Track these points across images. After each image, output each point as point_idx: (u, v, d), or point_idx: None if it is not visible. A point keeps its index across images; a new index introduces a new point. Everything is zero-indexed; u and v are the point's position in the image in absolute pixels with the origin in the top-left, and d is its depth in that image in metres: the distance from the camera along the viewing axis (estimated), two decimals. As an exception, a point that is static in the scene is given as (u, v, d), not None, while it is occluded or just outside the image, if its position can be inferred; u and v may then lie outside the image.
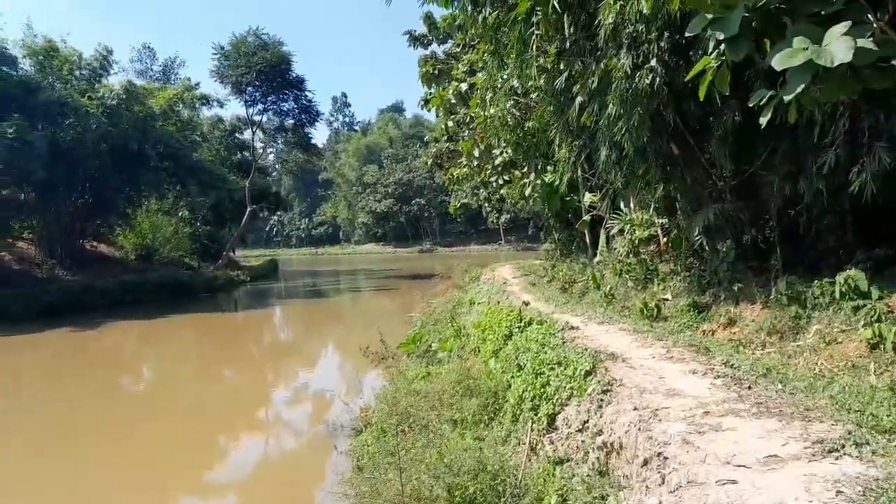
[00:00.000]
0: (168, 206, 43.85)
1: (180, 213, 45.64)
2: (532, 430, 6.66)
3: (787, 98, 4.78)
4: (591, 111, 10.41)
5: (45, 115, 30.07)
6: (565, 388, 6.72)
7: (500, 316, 11.22)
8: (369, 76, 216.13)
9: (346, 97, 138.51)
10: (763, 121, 5.38)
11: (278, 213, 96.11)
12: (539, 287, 18.28)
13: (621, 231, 14.80)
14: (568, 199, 19.07)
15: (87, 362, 20.77)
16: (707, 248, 10.42)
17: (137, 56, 53.96)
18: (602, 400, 6.00)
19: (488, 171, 21.90)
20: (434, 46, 28.66)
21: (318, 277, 57.04)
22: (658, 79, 8.96)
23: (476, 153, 20.75)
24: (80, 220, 34.96)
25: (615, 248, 15.12)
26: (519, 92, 17.54)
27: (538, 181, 18.68)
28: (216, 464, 10.96)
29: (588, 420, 5.98)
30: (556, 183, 18.32)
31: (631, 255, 14.09)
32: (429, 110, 22.42)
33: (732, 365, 6.65)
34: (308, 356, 22.02)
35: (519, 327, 10.11)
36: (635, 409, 5.39)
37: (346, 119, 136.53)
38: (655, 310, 11.11)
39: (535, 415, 6.87)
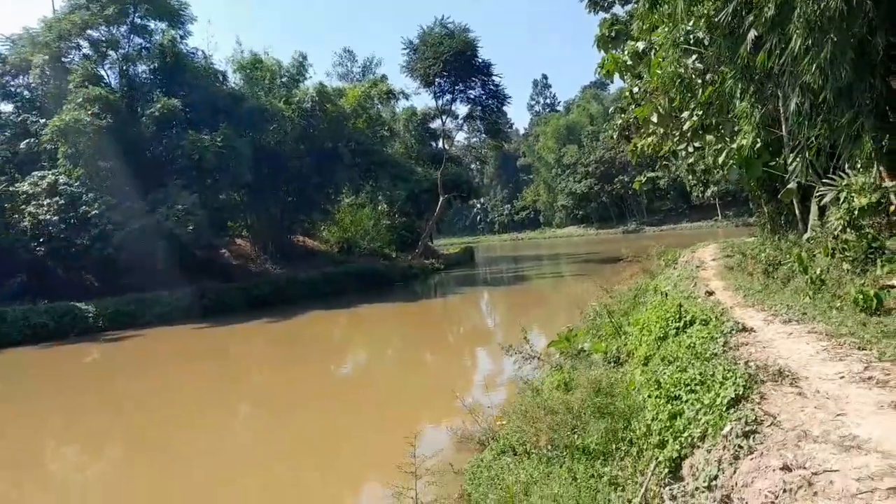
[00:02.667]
0: (363, 200, 46.04)
1: (378, 207, 47.76)
2: (651, 476, 5.02)
3: None
4: (771, 47, 8.11)
5: (249, 122, 32.94)
6: (700, 421, 4.95)
7: (661, 312, 9.34)
8: (572, 55, 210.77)
9: (546, 79, 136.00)
10: None
11: (476, 200, 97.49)
12: (738, 271, 15.63)
13: (836, 199, 11.82)
14: (772, 163, 16.00)
15: (288, 351, 22.09)
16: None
17: (339, 60, 57.29)
18: (740, 447, 4.20)
19: (675, 139, 19.31)
20: (616, 9, 26.26)
21: (511, 263, 56.48)
22: (858, -11, 6.58)
23: (654, 118, 18.28)
24: (286, 218, 37.98)
25: (829, 222, 12.20)
26: (704, 43, 14.99)
27: (732, 145, 15.87)
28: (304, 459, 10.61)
29: (717, 475, 4.22)
30: (755, 145, 15.42)
31: (848, 230, 11.24)
32: (604, 77, 20.31)
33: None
34: (460, 350, 21.24)
35: (677, 328, 8.21)
36: (784, 467, 3.62)
37: (548, 101, 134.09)
38: (875, 300, 8.54)
39: (660, 455, 5.20)
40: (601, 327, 12.92)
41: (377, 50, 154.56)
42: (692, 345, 7.15)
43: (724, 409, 4.93)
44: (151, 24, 35.10)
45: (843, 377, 5.29)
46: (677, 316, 8.51)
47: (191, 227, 28.55)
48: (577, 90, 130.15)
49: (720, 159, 16.66)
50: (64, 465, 12.07)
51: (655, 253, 25.50)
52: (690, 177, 31.04)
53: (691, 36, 15.35)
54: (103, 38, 33.87)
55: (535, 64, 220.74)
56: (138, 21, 34.50)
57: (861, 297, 8.66)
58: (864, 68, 7.30)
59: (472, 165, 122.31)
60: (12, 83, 34.99)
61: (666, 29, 13.42)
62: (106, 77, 34.47)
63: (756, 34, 8.39)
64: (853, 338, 6.61)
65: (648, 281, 19.36)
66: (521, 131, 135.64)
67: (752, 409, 4.73)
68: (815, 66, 7.25)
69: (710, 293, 12.06)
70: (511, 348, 11.43)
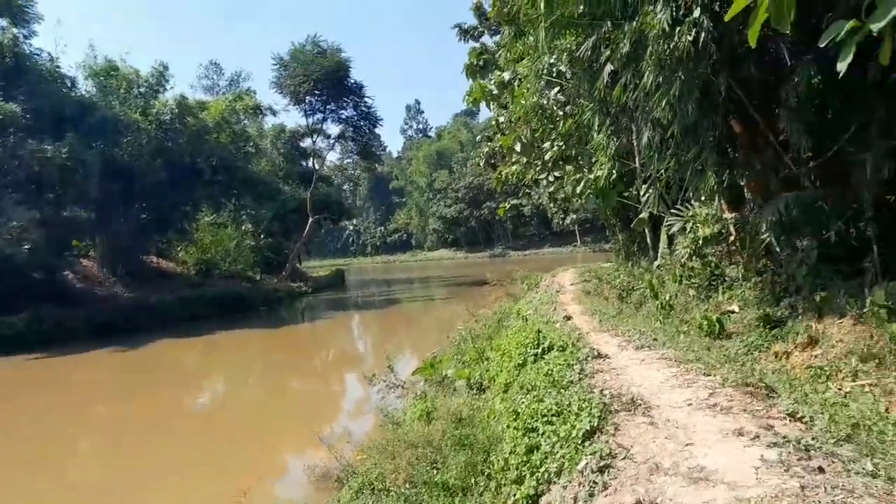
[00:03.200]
0: (225, 220, 43.97)
1: (243, 227, 45.75)
2: (509, 515, 4.87)
3: (875, 28, 2.72)
4: (625, 82, 8.42)
5: (100, 133, 30.35)
6: (556, 455, 4.84)
7: (521, 337, 9.38)
8: (446, 81, 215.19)
9: (419, 104, 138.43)
10: (841, 67, 3.27)
11: (348, 221, 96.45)
12: (595, 295, 16.25)
13: (683, 229, 12.56)
14: (626, 194, 16.89)
15: (135, 382, 20.28)
16: (779, 247, 8.31)
17: (204, 73, 54.74)
18: (595, 483, 4.09)
19: (538, 168, 19.96)
20: (485, 38, 26.98)
21: (383, 287, 56.15)
22: (704, 34, 6.93)
23: (518, 148, 18.80)
24: (139, 237, 35.23)
25: (677, 250, 12.95)
26: (566, 76, 15.60)
27: (590, 175, 16.60)
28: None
29: (574, 513, 4.10)
30: (611, 176, 16.21)
31: (694, 258, 11.96)
32: (471, 105, 20.67)
33: (802, 417, 4.68)
34: (325, 378, 20.56)
35: (535, 354, 8.23)
36: (637, 503, 3.53)
37: (420, 126, 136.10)
38: (717, 325, 9.06)
39: (517, 492, 5.04)
40: (466, 353, 12.86)
41: (247, 65, 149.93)
42: (550, 372, 7.15)
43: (579, 442, 4.86)
44: (-10, 22, 31.62)
45: (690, 404, 5.40)
46: (535, 342, 8.54)
47: (27, 247, 25.68)
48: (449, 117, 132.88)
49: (578, 189, 17.36)
50: None
51: (519, 277, 26.19)
52: (552, 204, 32.34)
53: (554, 68, 15.95)
54: (-72, 33, 30.08)
55: (410, 88, 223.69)
56: (-28, 16, 31.02)
57: (705, 322, 9.15)
58: (708, 107, 7.73)
59: (346, 186, 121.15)
60: None
61: (530, 60, 13.81)
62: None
63: (612, 69, 8.71)
64: (699, 363, 6.86)
65: (512, 305, 19.75)
66: (395, 154, 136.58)
67: (607, 442, 4.68)
68: (664, 102, 7.58)
69: (569, 318, 12.35)
70: (374, 377, 11.06)
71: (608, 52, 8.61)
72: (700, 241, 11.29)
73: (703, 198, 11.18)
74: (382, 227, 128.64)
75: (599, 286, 17.39)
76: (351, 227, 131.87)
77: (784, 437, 4.23)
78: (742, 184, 10.25)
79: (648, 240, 16.85)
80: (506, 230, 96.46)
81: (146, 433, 13.65)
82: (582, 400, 5.56)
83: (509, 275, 28.32)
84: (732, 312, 9.71)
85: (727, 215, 10.83)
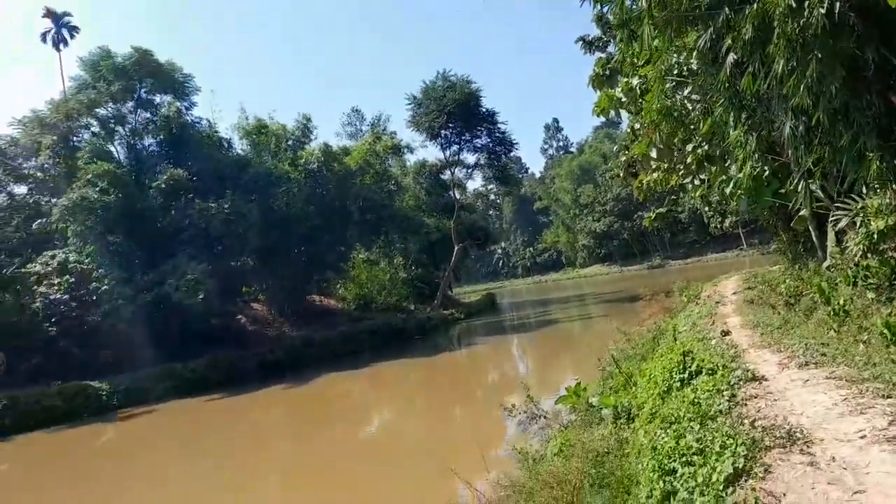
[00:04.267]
0: (377, 256, 45.80)
1: (394, 261, 47.50)
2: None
3: None
4: (753, 70, 7.53)
5: (255, 187, 33.05)
6: (694, 503, 4.23)
7: (666, 360, 8.58)
8: (581, 96, 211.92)
9: (557, 122, 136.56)
10: None
11: (496, 245, 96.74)
12: (759, 304, 14.79)
13: (853, 224, 11.05)
14: (782, 190, 15.25)
15: (298, 418, 21.60)
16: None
17: (348, 119, 58.09)
18: (734, 543, 3.49)
19: (680, 173, 18.68)
20: (611, 48, 25.99)
21: (536, 307, 55.33)
22: (839, 3, 6.02)
23: (654, 153, 17.71)
24: (300, 279, 37.67)
25: (848, 248, 11.43)
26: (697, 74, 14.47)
27: (739, 175, 15.18)
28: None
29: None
30: (762, 174, 14.72)
31: (869, 255, 10.50)
32: (598, 115, 19.89)
33: None
34: (474, 408, 20.16)
35: (681, 379, 7.45)
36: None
37: (561, 144, 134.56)
38: (905, 334, 7.79)
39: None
40: (614, 377, 12.10)
41: (385, 107, 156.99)
42: (696, 400, 6.42)
43: (721, 489, 4.22)
44: (157, 98, 35.91)
45: (864, 436, 4.54)
46: (681, 366, 7.76)
47: (200, 297, 28.32)
48: (589, 131, 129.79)
49: (727, 190, 15.97)
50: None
51: (677, 289, 24.62)
52: (706, 208, 30.20)
53: (684, 68, 14.89)
54: (110, 115, 34.55)
55: (547, 109, 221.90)
56: (144, 96, 35.32)
57: (888, 329, 7.91)
58: (859, 85, 6.69)
59: (490, 212, 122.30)
60: (24, 165, 35.71)
61: (653, 62, 12.98)
62: (115, 153, 35.04)
63: (735, 57, 7.84)
64: (877, 382, 5.84)
65: (668, 321, 18.50)
66: (538, 175, 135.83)
67: (753, 489, 4.01)
68: (802, 86, 6.65)
69: (726, 333, 11.24)
70: (513, 408, 10.69)
71: (729, 41, 7.76)
72: (875, 236, 9.86)
73: (875, 187, 9.77)
74: (531, 248, 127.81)
75: (765, 293, 15.87)
76: (500, 251, 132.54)
77: None
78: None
79: (814, 239, 15.11)
80: (662, 239, 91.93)
81: (306, 470, 14.27)
82: (726, 437, 4.87)
83: (667, 287, 26.75)
84: (923, 316, 8.32)
85: (910, 202, 9.37)
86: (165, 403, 25.66)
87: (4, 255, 29.70)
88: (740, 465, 4.36)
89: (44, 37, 58.70)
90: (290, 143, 37.31)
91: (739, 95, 8.88)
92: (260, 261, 34.91)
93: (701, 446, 4.92)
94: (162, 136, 34.79)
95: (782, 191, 15.24)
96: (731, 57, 7.84)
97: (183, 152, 33.58)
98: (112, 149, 35.00)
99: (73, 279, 27.93)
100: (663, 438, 5.59)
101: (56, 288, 27.60)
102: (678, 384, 7.44)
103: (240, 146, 37.61)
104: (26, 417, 23.08)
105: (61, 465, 18.33)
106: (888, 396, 5.28)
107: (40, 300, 27.33)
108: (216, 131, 36.58)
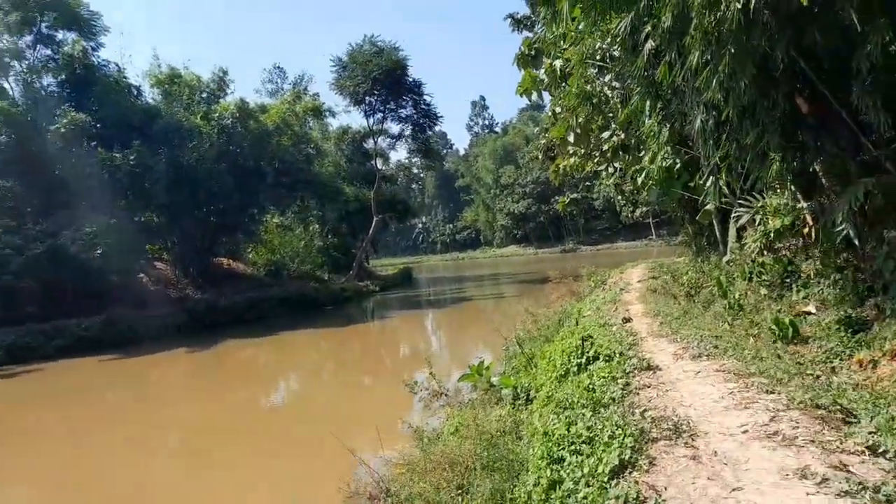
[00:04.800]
0: (290, 221, 44.65)
1: (310, 227, 46.42)
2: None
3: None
4: (670, 60, 7.50)
5: (164, 139, 31.27)
6: (578, 495, 4.14)
7: (566, 344, 8.60)
8: (510, 76, 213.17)
9: (483, 100, 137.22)
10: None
11: (416, 220, 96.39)
12: (661, 294, 15.20)
13: (753, 221, 11.44)
14: (691, 184, 15.67)
15: (198, 382, 20.87)
16: (861, 239, 7.28)
17: (269, 77, 55.93)
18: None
19: (596, 159, 18.94)
20: (539, 28, 25.90)
21: (450, 284, 55.62)
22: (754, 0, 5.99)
23: (571, 138, 17.85)
24: (207, 239, 36.13)
25: (746, 244, 11.85)
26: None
27: (651, 166, 15.48)
28: None
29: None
30: (674, 166, 15.07)
31: (765, 252, 10.89)
32: (521, 95, 19.81)
33: (885, 452, 3.81)
34: (381, 381, 19.97)
35: (579, 364, 7.46)
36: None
37: (486, 122, 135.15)
38: (791, 328, 8.07)
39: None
40: (517, 357, 12.13)
41: (310, 68, 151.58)
42: (591, 386, 6.42)
43: (605, 480, 4.13)
44: (59, 35, 33.10)
45: (746, 431, 4.58)
46: (580, 350, 7.76)
47: (98, 252, 26.63)
48: (514, 112, 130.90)
49: (640, 180, 16.29)
50: None
51: (585, 274, 25.13)
52: (619, 197, 30.93)
53: (606, 54, 14.95)
54: (5, 49, 31.61)
55: (476, 85, 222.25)
56: (45, 31, 32.50)
57: (777, 324, 8.18)
58: (767, 84, 6.77)
59: (414, 185, 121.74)
60: None
61: (574, 45, 12.93)
62: (9, 90, 32.23)
63: (654, 46, 7.80)
64: (763, 378, 5.97)
65: (574, 304, 18.83)
66: (462, 152, 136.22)
67: (636, 482, 3.94)
68: (714, 81, 6.65)
69: (628, 320, 11.46)
70: (416, 385, 10.54)
71: (648, 28, 7.71)
72: (771, 234, 10.23)
73: (776, 186, 10.08)
74: (451, 225, 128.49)
75: (668, 283, 16.36)
76: (420, 226, 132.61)
77: (860, 484, 3.38)
78: (816, 169, 9.15)
79: (717, 233, 15.65)
80: (577, 224, 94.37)
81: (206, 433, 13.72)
82: (615, 425, 4.82)
83: (576, 271, 27.27)
84: (808, 314, 8.66)
85: (801, 204, 9.70)
86: (54, 362, 24.15)
87: None
88: (626, 457, 4.30)
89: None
90: (204, 95, 35.29)
91: (656, 85, 8.91)
92: (166, 218, 33.05)
93: (591, 435, 4.85)
94: (64, 77, 32.02)
95: (691, 184, 15.67)
96: (650, 44, 7.80)
97: (87, 96, 31.09)
98: (6, 85, 32.16)
99: (-47, 225, 25.64)
100: (555, 424, 5.50)
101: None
102: (576, 369, 7.45)
103: (150, 95, 35.41)
104: None
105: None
106: (771, 392, 5.39)
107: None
108: (125, 77, 34.19)
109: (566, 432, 5.06)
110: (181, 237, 34.24)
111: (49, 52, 32.90)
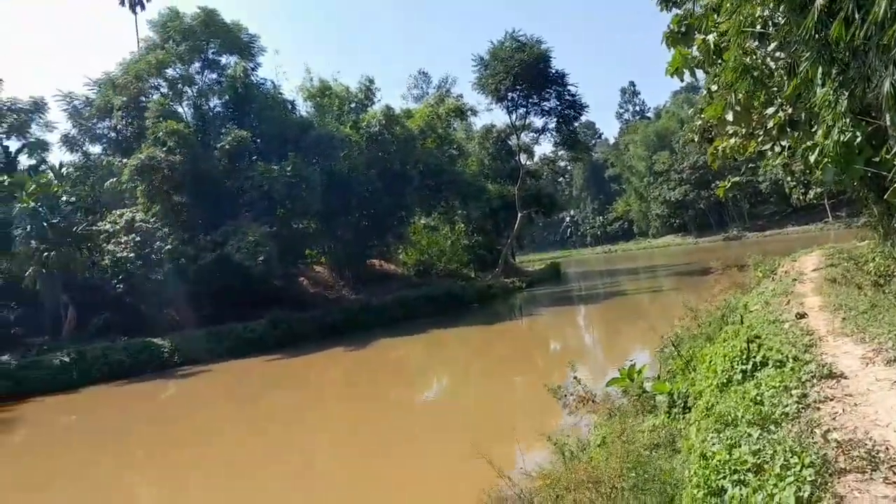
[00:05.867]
0: (436, 221, 45.30)
1: (455, 226, 46.92)
2: None
3: None
4: (846, 14, 6.28)
5: (317, 150, 32.95)
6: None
7: (728, 347, 7.56)
8: (660, 59, 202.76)
9: (634, 86, 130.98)
10: None
11: (564, 213, 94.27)
12: (842, 284, 13.32)
13: (958, 199, 9.59)
14: (876, 159, 13.58)
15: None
16: None
17: (414, 82, 57.36)
18: None
19: (760, 138, 17.04)
20: (690, 5, 23.96)
21: (601, 278, 53.76)
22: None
23: (730, 117, 16.13)
24: (360, 243, 37.65)
25: (950, 225, 10.00)
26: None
27: (827, 141, 13.55)
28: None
29: None
30: (853, 139, 13.12)
31: (975, 236, 9.14)
32: (672, 76, 18.23)
33: None
34: (526, 382, 19.32)
35: (743, 371, 6.46)
36: None
37: (637, 108, 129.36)
38: None
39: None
40: (673, 358, 11.07)
41: (451, 69, 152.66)
42: (758, 398, 5.46)
43: (780, 526, 3.38)
44: (223, 59, 36.22)
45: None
46: (744, 355, 6.75)
47: (261, 259, 28.55)
48: (667, 96, 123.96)
49: (812, 158, 14.40)
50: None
51: (752, 263, 22.98)
52: (788, 178, 27.97)
53: (769, 22, 13.33)
54: (178, 76, 34.99)
55: (626, 71, 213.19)
56: (211, 56, 35.73)
57: None
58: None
59: (560, 178, 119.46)
60: (98, 126, 36.71)
61: (734, 14, 11.55)
62: (182, 113, 35.59)
63: (826, 0, 6.59)
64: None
65: (740, 297, 17.15)
66: (611, 141, 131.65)
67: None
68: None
69: (802, 315, 10.01)
70: (559, 389, 9.90)
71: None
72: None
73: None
74: (602, 217, 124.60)
75: (850, 271, 14.37)
76: (568, 219, 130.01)
77: None
78: None
79: (912, 213, 13.49)
80: (741, 210, 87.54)
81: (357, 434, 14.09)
82: (790, 451, 3.97)
83: (742, 260, 25.07)
84: None
85: None
86: (224, 363, 26.18)
87: (80, 213, 30.68)
88: (805, 495, 3.48)
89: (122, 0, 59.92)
90: (353, 105, 36.96)
91: (830, 47, 7.61)
92: (321, 224, 34.96)
93: (758, 461, 4.02)
94: (227, 97, 35.05)
95: (876, 159, 13.59)
96: (821, -1, 6.60)
97: (247, 113, 33.76)
98: (179, 109, 35.58)
99: (139, 238, 28.65)
100: (714, 444, 4.72)
101: (123, 246, 28.35)
102: (740, 376, 6.46)
103: (303, 108, 37.69)
104: (92, 370, 24.08)
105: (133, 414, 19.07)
106: None
107: (108, 258, 28.18)
108: (280, 93, 36.72)
109: (728, 457, 4.26)
110: (336, 241, 35.97)
111: (214, 75, 36.04)
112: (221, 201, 31.65)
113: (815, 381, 5.73)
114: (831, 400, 5.22)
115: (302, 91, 37.29)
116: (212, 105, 36.03)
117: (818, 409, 5.02)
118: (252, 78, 35.50)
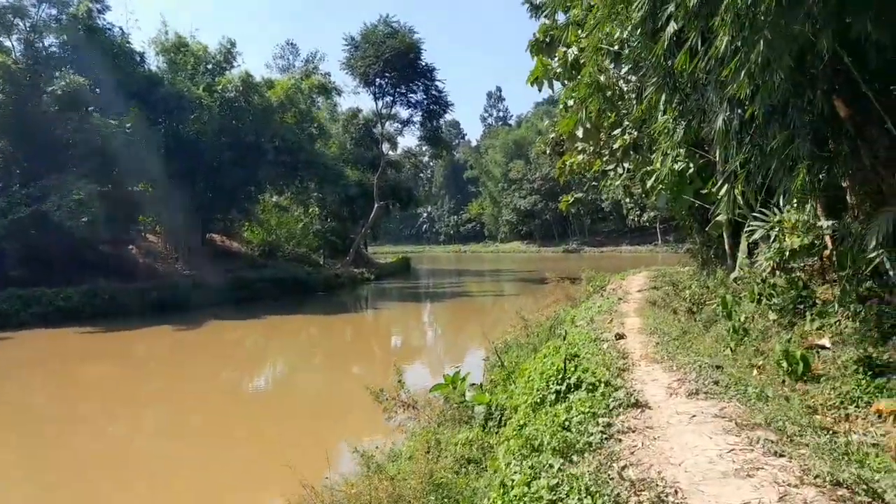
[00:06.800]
0: (288, 202, 43.71)
1: (309, 210, 45.48)
2: None
3: None
4: (692, 45, 6.46)
5: (164, 109, 30.35)
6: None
7: (547, 364, 7.60)
8: (528, 67, 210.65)
9: (500, 91, 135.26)
10: None
11: (420, 208, 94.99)
12: (661, 307, 14.14)
13: (767, 237, 10.34)
14: (703, 191, 14.60)
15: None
16: (893, 269, 6.30)
17: (280, 52, 54.83)
18: None
19: (606, 158, 17.84)
20: (560, 16, 24.70)
21: (449, 277, 54.73)
22: (802, -27, 4.95)
23: (580, 133, 16.75)
24: (202, 214, 35.15)
25: (757, 261, 10.78)
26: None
27: (663, 168, 14.37)
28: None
29: None
30: (686, 170, 14.02)
31: (778, 273, 9.85)
32: (532, 85, 18.62)
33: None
34: (353, 380, 19.00)
35: (557, 391, 6.45)
36: None
37: (501, 114, 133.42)
38: (801, 364, 7.07)
39: None
40: (497, 369, 11.08)
41: (322, 46, 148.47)
42: (567, 423, 5.41)
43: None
44: (66, -7, 32.08)
45: (744, 509, 3.61)
46: (560, 375, 6.75)
47: (84, 220, 25.66)
48: (530, 106, 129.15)
49: (649, 183, 15.21)
50: None
51: (585, 277, 24.09)
52: (627, 199, 29.75)
53: (625, 42, 13.86)
54: (9, 5, 30.60)
55: (496, 76, 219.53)
56: (52, -13, 31.50)
57: (786, 357, 7.18)
58: (804, 80, 5.74)
59: (421, 174, 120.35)
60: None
61: (592, 32, 11.83)
62: (11, 48, 31.14)
63: (676, 28, 6.75)
64: (769, 431, 4.95)
65: (570, 310, 17.77)
66: (474, 143, 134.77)
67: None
68: (744, 73, 5.62)
69: (621, 336, 10.41)
70: (381, 393, 9.53)
71: (672, 7, 6.65)
72: (786, 253, 9.17)
73: (794, 200, 9.03)
74: (456, 216, 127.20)
75: (669, 296, 15.31)
76: (425, 215, 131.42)
77: None
78: (845, 185, 8.11)
79: (727, 246, 14.61)
80: (582, 225, 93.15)
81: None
82: (585, 490, 3.83)
83: (577, 273, 26.22)
84: (822, 348, 7.65)
85: (823, 223, 8.66)
86: (29, 331, 23.45)
87: None
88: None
89: None
90: (209, 66, 34.24)
91: (674, 75, 7.88)
92: (161, 189, 32.07)
93: (553, 498, 3.86)
94: (66, 38, 31.06)
95: (703, 191, 14.58)
96: (672, 27, 6.75)
97: (88, 60, 30.13)
98: (7, 43, 31.07)
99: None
100: (516, 472, 4.51)
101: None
102: (553, 397, 6.44)
103: (155, 63, 34.35)
104: None
105: None
106: (780, 454, 4.37)
107: None
108: (129, 42, 33.09)
109: (526, 489, 4.06)
110: (175, 210, 33.14)
111: (54, 11, 31.79)
112: (46, 152, 28.02)
113: (621, 409, 5.87)
114: (633, 431, 5.29)
115: (155, 44, 33.90)
116: (47, 44, 31.70)
117: (620, 440, 5.06)
118: (98, 21, 31.77)
